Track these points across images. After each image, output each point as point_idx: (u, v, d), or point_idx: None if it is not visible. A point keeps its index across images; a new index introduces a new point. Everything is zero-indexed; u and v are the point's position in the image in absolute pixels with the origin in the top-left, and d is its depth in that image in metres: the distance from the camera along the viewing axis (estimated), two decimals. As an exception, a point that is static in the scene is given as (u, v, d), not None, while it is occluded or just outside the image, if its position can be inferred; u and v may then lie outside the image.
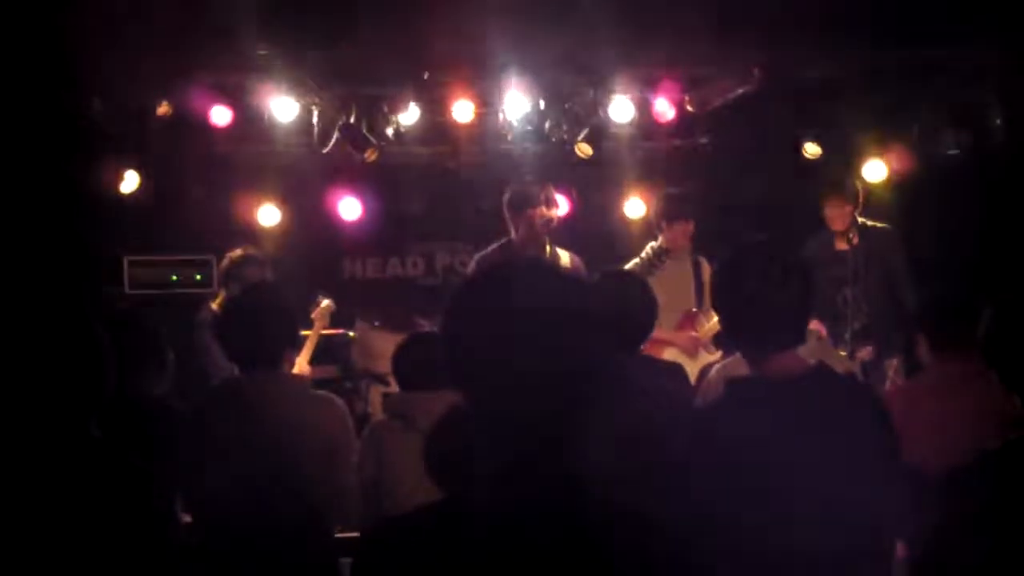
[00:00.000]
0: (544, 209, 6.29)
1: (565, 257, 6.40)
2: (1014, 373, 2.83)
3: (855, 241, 7.05)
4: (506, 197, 6.45)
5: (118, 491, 2.51)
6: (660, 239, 6.67)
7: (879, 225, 7.19)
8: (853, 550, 2.58)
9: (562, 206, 6.88)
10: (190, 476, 3.83)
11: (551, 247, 6.40)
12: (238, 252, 6.55)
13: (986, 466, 2.75)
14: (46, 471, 2.49)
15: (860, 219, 7.12)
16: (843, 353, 6.59)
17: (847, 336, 6.88)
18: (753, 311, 2.75)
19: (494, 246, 6.55)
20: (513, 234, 6.41)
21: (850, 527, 2.56)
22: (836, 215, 7.09)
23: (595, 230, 8.00)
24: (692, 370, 6.50)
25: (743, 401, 2.78)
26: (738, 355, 4.66)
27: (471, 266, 6.65)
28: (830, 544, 2.54)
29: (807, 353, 2.94)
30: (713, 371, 4.97)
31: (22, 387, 2.50)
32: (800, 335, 2.83)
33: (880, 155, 7.48)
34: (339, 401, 4.16)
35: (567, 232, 6.85)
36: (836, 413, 2.67)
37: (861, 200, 7.12)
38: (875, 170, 7.49)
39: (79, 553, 2.42)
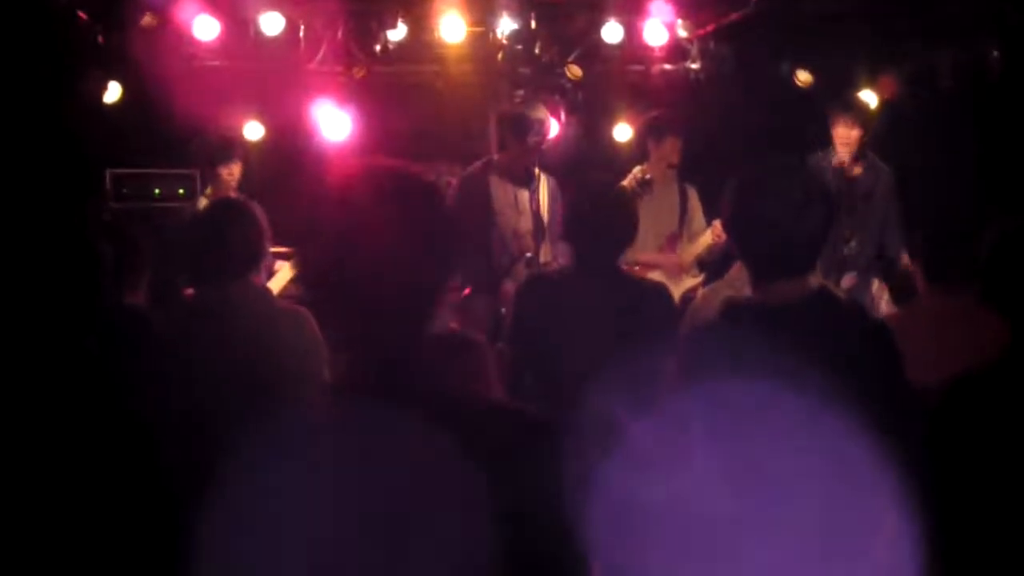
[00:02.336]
0: (538, 135, 6.25)
1: (544, 180, 6.39)
2: (1010, 299, 2.83)
3: (858, 172, 6.80)
4: (502, 117, 6.41)
5: (112, 407, 2.50)
6: (644, 165, 6.66)
7: (883, 165, 6.91)
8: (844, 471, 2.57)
9: (552, 128, 6.82)
10: (161, 390, 3.81)
11: (538, 171, 6.36)
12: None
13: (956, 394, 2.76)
14: (42, 385, 2.47)
15: (869, 152, 6.85)
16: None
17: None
18: (770, 236, 2.71)
19: (477, 164, 6.52)
20: (495, 154, 6.39)
21: (846, 450, 2.55)
22: (843, 137, 6.73)
23: (583, 153, 7.94)
24: (678, 288, 6.53)
25: (741, 324, 2.76)
26: (725, 279, 4.67)
27: (454, 186, 6.61)
28: (817, 463, 2.54)
29: None
30: (700, 295, 4.96)
31: (17, 301, 2.47)
32: (812, 263, 2.80)
33: (872, 86, 7.42)
34: (307, 312, 4.11)
35: (555, 154, 6.80)
36: (838, 338, 2.65)
37: (870, 126, 6.82)
38: (867, 101, 7.44)
39: (73, 469, 2.41)
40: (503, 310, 5.91)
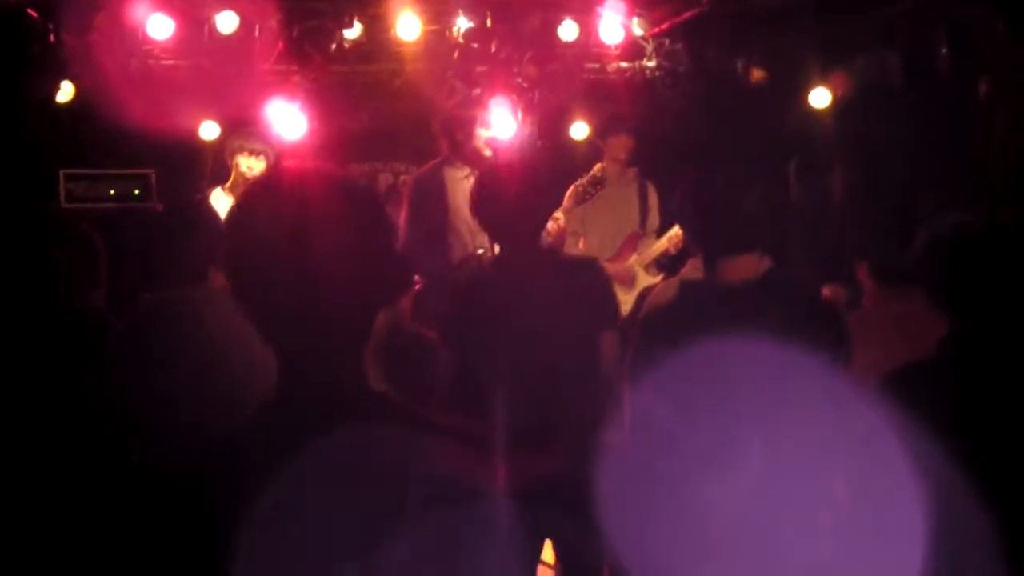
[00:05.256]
0: (484, 130, 6.30)
1: None
2: (945, 297, 2.87)
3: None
4: (443, 118, 6.45)
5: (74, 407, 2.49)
6: (596, 167, 6.71)
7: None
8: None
9: (509, 127, 6.86)
10: (126, 393, 3.79)
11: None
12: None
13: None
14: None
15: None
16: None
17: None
18: (717, 213, 2.80)
19: (432, 162, 6.53)
20: (448, 153, 6.41)
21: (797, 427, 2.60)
22: None
23: (539, 151, 7.96)
24: (630, 295, 6.56)
25: (696, 301, 2.83)
26: (679, 275, 4.70)
27: (408, 186, 6.65)
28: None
29: None
30: (655, 291, 4.98)
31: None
32: (760, 240, 2.87)
33: (825, 82, 7.48)
34: None
35: (512, 153, 6.82)
36: (789, 313, 2.71)
37: None
38: (820, 97, 7.51)
39: (37, 468, 2.40)
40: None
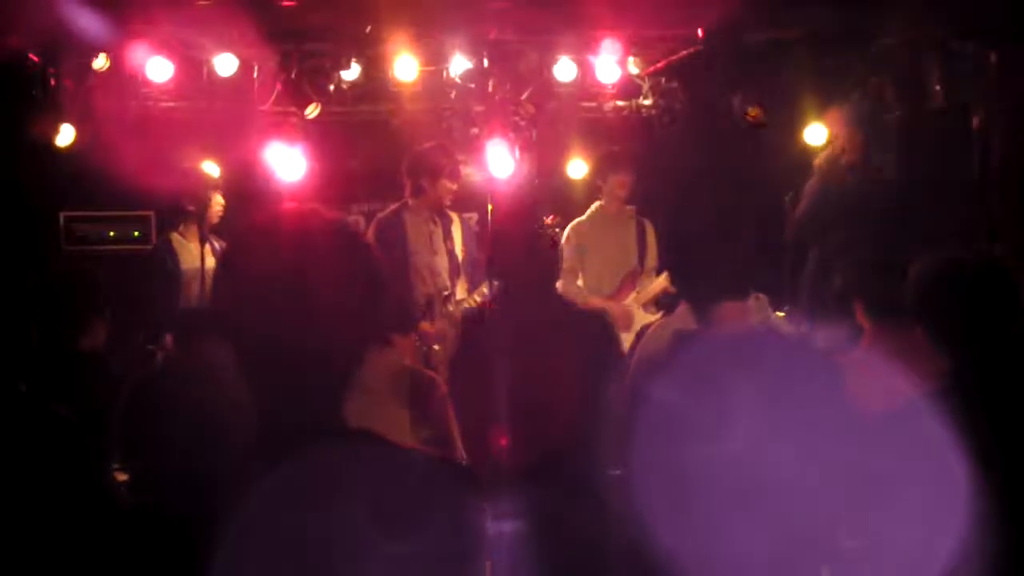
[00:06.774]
0: (448, 181, 6.53)
1: (456, 220, 6.65)
2: (937, 330, 2.87)
3: (846, 179, 6.48)
4: (411, 161, 6.64)
5: (45, 443, 2.49)
6: (599, 203, 6.80)
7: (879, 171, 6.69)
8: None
9: (507, 165, 6.97)
10: (134, 439, 3.81)
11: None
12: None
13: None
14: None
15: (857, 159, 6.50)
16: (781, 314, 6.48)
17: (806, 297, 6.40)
18: (699, 257, 2.80)
19: (392, 206, 6.75)
20: (409, 197, 6.63)
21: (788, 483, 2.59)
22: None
23: (538, 190, 8.00)
24: (629, 334, 6.57)
25: (688, 353, 2.82)
26: (676, 313, 4.70)
27: (370, 228, 6.81)
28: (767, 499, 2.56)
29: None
30: (649, 330, 4.99)
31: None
32: (746, 287, 2.87)
33: (822, 119, 7.49)
34: None
35: (511, 191, 6.92)
36: (784, 367, 2.70)
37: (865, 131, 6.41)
38: (816, 134, 7.51)
39: (10, 504, 2.40)
40: (424, 347, 6.07)
